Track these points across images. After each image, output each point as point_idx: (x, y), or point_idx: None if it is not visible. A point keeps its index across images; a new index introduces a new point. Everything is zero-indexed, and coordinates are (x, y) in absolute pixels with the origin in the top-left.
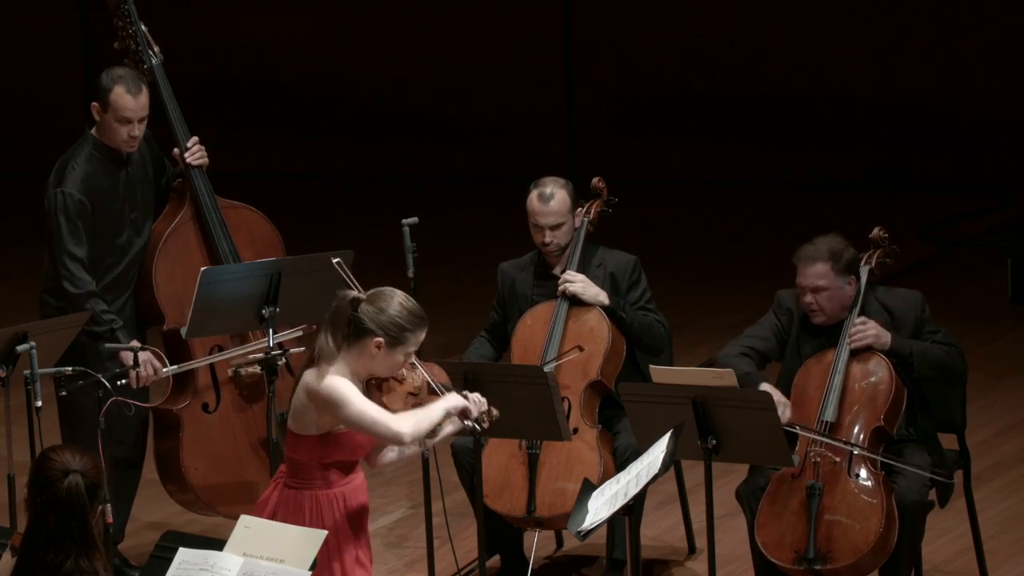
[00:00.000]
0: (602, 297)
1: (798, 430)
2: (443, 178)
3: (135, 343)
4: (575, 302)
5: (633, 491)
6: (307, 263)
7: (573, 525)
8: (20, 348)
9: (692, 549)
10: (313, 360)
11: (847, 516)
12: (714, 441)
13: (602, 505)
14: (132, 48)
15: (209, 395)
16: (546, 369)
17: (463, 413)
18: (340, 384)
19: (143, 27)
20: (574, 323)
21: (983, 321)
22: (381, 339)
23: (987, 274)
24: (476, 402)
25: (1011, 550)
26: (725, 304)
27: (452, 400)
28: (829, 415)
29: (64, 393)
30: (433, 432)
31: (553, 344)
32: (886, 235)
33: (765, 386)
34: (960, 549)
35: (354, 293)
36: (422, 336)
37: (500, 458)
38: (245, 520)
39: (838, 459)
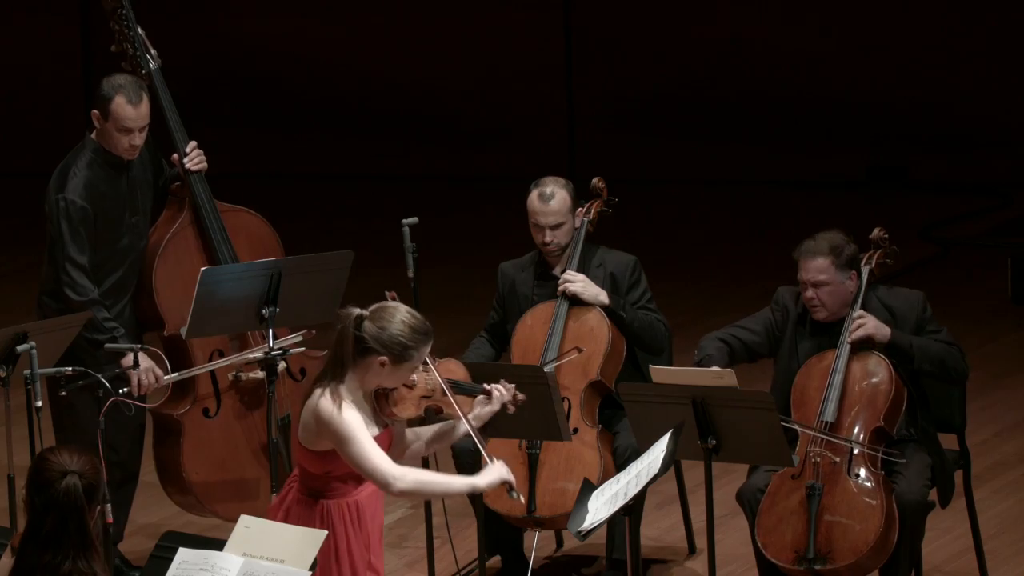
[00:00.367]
0: (602, 296)
1: (796, 426)
2: (443, 178)
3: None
4: (575, 302)
5: (633, 491)
6: (307, 263)
7: (573, 525)
8: (20, 348)
9: (692, 549)
10: (323, 375)
11: (847, 516)
12: (714, 441)
13: (602, 505)
14: (130, 53)
15: (210, 401)
16: (546, 369)
17: (506, 485)
18: (348, 421)
19: (140, 31)
20: (574, 323)
21: (983, 321)
22: (385, 357)
23: (987, 274)
24: (503, 392)
25: (1011, 550)
26: (725, 304)
27: (490, 476)
28: (829, 415)
29: (64, 393)
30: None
31: (553, 344)
32: (886, 236)
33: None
34: (960, 549)
35: (358, 310)
36: (427, 350)
37: (500, 458)
38: (245, 520)
39: (838, 459)
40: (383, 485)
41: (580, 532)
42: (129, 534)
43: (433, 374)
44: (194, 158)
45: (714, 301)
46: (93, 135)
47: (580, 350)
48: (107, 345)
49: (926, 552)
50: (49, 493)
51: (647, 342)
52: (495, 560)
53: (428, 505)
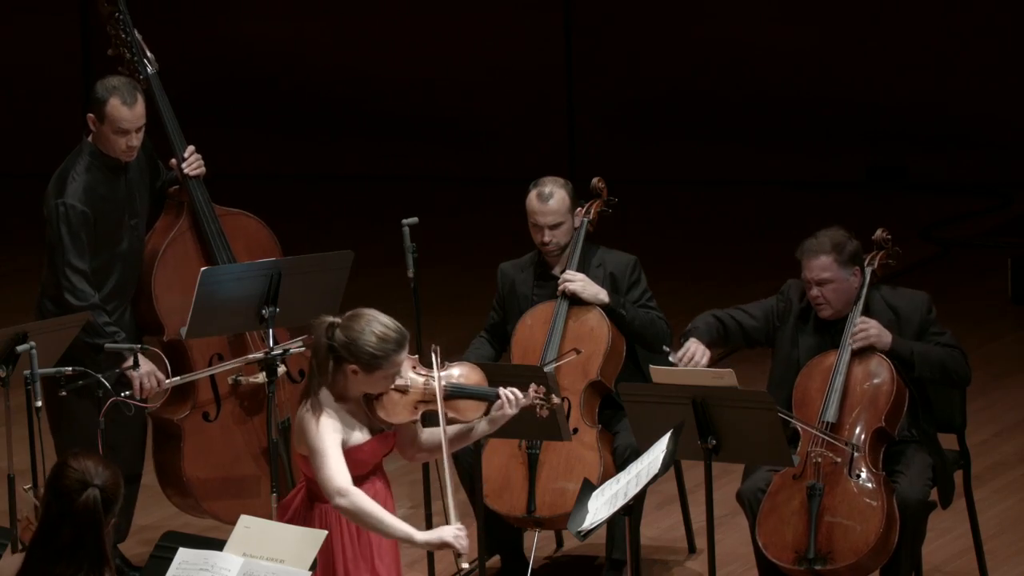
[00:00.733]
0: (602, 295)
1: (794, 421)
2: (443, 178)
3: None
4: (575, 302)
5: (633, 491)
6: (307, 263)
7: (573, 525)
8: (20, 348)
9: (692, 549)
10: (308, 384)
11: (848, 517)
12: (714, 441)
13: (602, 505)
14: (127, 57)
15: (210, 405)
16: (546, 370)
17: (452, 551)
18: (318, 432)
19: (138, 35)
20: (574, 323)
21: (983, 321)
22: (355, 366)
23: (987, 274)
24: (513, 397)
25: (1011, 550)
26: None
27: (432, 536)
28: (830, 416)
29: (64, 393)
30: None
31: (553, 344)
32: (889, 236)
33: (691, 341)
34: (960, 549)
35: (330, 319)
36: (401, 358)
37: (500, 458)
38: (245, 520)
39: (839, 459)
40: (328, 496)
41: (580, 532)
42: (129, 534)
43: (433, 381)
44: (193, 163)
45: (714, 301)
46: (90, 138)
47: (579, 352)
48: (107, 345)
49: (926, 552)
50: (68, 503)
51: (649, 339)
52: (495, 560)
53: (428, 505)
